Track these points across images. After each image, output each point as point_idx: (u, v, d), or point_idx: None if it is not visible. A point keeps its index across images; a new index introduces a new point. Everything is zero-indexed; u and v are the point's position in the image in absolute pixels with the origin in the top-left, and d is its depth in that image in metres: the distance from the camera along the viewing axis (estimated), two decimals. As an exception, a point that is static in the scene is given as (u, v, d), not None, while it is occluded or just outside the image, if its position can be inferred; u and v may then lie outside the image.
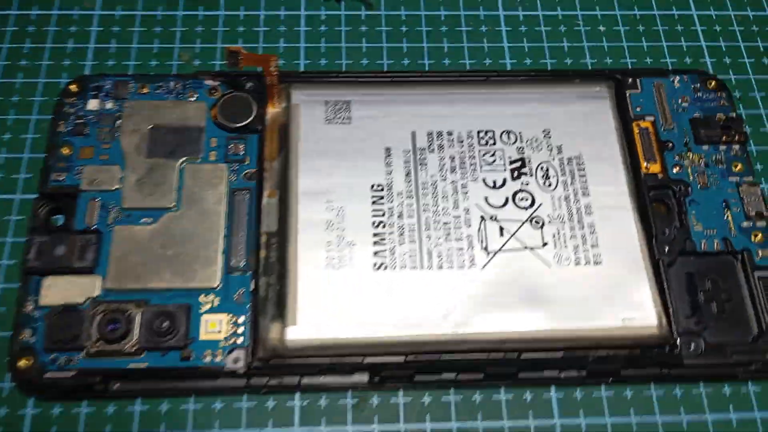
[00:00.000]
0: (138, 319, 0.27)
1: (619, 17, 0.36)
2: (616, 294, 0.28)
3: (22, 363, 0.26)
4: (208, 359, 0.26)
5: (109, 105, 0.31)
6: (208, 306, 0.27)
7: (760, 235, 0.29)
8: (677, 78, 0.33)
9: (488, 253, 0.28)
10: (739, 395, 0.28)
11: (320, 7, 0.35)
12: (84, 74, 0.32)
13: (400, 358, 0.27)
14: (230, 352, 0.27)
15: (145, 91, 0.31)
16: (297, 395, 0.27)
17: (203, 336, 0.27)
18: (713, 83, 0.33)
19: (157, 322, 0.27)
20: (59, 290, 0.27)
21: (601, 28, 0.36)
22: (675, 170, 0.31)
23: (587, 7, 0.36)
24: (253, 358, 0.27)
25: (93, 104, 0.31)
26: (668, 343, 0.27)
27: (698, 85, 0.33)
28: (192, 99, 0.31)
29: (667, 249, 0.29)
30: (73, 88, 0.31)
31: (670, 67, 0.35)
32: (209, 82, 0.32)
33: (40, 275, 0.27)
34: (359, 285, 0.28)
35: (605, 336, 0.27)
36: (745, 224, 0.30)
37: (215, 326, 0.27)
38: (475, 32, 0.35)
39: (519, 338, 0.27)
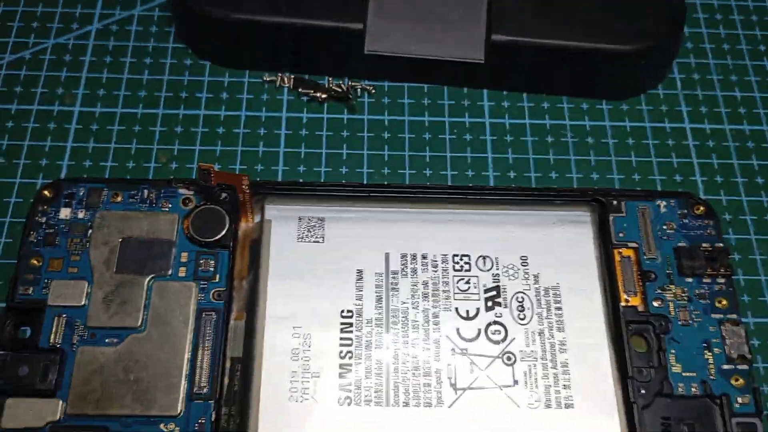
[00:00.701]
0: (95, 450, 0.26)
1: (608, 128, 0.35)
2: (586, 441, 0.27)
3: (-25, 492, 0.26)
4: (165, 495, 0.26)
5: (80, 214, 0.30)
6: (167, 436, 0.27)
7: (740, 380, 0.28)
8: (663, 202, 0.32)
9: (456, 391, 0.28)
10: None
11: (303, 109, 0.35)
12: (59, 178, 0.32)
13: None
14: (189, 486, 0.26)
15: (118, 200, 0.31)
16: None
17: (162, 469, 0.26)
18: (701, 209, 0.32)
19: (115, 454, 0.26)
20: (20, 412, 0.27)
21: (589, 140, 0.35)
22: (656, 304, 0.30)
23: (576, 118, 0.35)
24: (211, 494, 0.26)
25: (65, 213, 0.30)
26: (635, 497, 0.26)
27: (685, 210, 0.32)
28: (165, 209, 0.31)
29: (642, 391, 0.28)
30: (47, 193, 0.31)
31: (658, 186, 0.34)
32: (183, 191, 0.31)
33: (3, 396, 0.27)
34: (322, 420, 0.27)
35: (571, 487, 0.26)
36: (725, 367, 0.29)
37: (174, 459, 0.27)
38: (459, 140, 0.34)
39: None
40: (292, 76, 0.36)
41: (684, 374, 0.29)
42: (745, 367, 0.29)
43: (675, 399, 0.28)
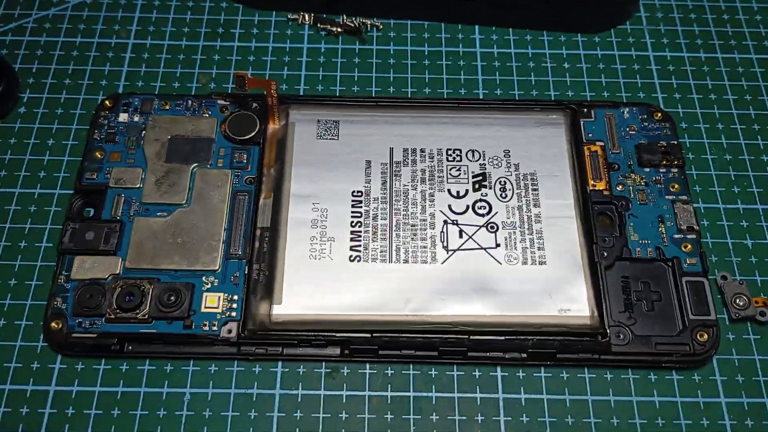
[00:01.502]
0: (150, 293, 0.32)
1: (582, 56, 0.41)
2: (556, 289, 0.32)
3: (54, 325, 0.31)
4: (206, 328, 0.31)
5: (136, 118, 0.37)
6: (208, 285, 0.32)
7: (689, 246, 0.34)
8: (627, 109, 0.37)
9: (448, 252, 0.33)
10: (663, 381, 0.32)
11: (320, 41, 0.41)
12: (117, 92, 0.38)
13: (367, 335, 0.31)
14: (225, 323, 0.32)
15: (166, 107, 0.37)
16: (279, 363, 0.32)
17: (203, 309, 0.32)
18: (659, 115, 0.37)
19: (165, 297, 0.32)
20: (87, 268, 0.33)
21: (566, 65, 0.40)
22: (619, 188, 0.35)
23: (555, 47, 0.41)
24: (243, 329, 0.31)
25: (123, 117, 0.37)
26: (598, 332, 0.32)
27: (645, 116, 0.37)
28: (206, 116, 0.37)
29: (605, 254, 0.33)
30: (107, 103, 0.37)
31: (624, 101, 0.39)
32: (221, 102, 0.37)
33: (72, 255, 0.33)
34: (336, 273, 0.33)
35: (543, 323, 0.32)
36: (676, 236, 0.34)
37: (214, 302, 0.32)
38: (454, 65, 0.40)
39: (468, 322, 0.32)
40: (312, 15, 0.42)
41: (641, 241, 0.34)
42: (693, 236, 0.34)
43: (633, 261, 0.34)
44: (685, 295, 0.33)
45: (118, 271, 0.33)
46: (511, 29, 0.42)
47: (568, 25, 0.42)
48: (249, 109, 0.37)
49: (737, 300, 0.33)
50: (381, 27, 0.42)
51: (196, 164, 0.35)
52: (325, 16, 0.42)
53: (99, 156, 0.36)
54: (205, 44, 0.41)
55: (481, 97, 0.39)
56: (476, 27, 0.42)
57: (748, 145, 0.38)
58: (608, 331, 0.32)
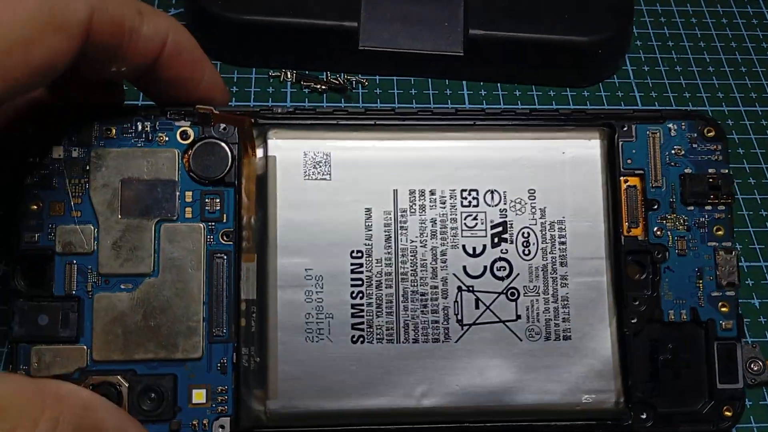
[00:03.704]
0: (126, 391, 0.28)
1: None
2: (580, 369, 0.29)
3: None
4: (195, 428, 0.28)
5: (74, 153, 0.29)
6: (193, 376, 0.29)
7: (727, 307, 0.30)
8: (674, 125, 0.31)
9: (462, 327, 0.29)
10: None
11: (304, 99, 0.40)
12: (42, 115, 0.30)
13: (372, 429, 0.29)
14: (216, 419, 0.29)
15: (111, 134, 0.29)
16: (279, 455, 0.30)
17: (190, 405, 0.28)
18: (712, 132, 0.31)
19: (145, 395, 0.28)
20: (48, 360, 0.28)
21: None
22: (657, 233, 0.31)
23: (544, 103, 0.41)
24: (237, 425, 0.28)
25: (58, 152, 0.29)
26: (622, 416, 0.30)
27: (695, 134, 0.31)
28: (163, 143, 0.29)
29: (635, 320, 0.30)
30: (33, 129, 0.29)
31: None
32: (180, 124, 0.30)
33: (27, 344, 0.28)
34: (338, 358, 0.29)
35: (566, 410, 0.29)
36: (714, 294, 0.30)
37: (201, 397, 0.29)
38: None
39: (484, 411, 0.29)
40: (295, 72, 0.41)
41: (675, 301, 0.30)
42: (732, 293, 0.31)
43: (664, 325, 0.30)
44: (714, 360, 0.30)
45: (85, 364, 0.28)
46: (499, 84, 0.42)
47: (557, 80, 0.43)
48: (217, 133, 0.30)
49: (752, 365, 0.32)
50: (366, 83, 0.41)
51: (158, 218, 0.29)
52: (307, 72, 0.41)
53: (35, 208, 0.29)
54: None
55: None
56: (464, 83, 0.42)
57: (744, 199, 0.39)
58: (631, 414, 0.30)
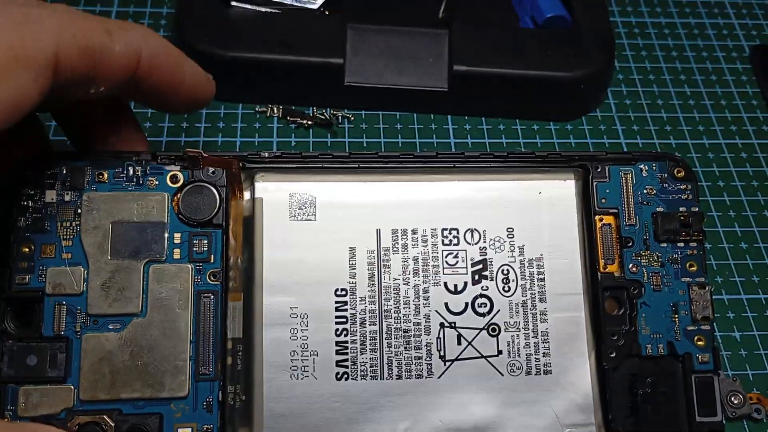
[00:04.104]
0: (111, 431, 0.28)
1: (556, 145, 0.42)
2: (561, 403, 0.30)
3: (5, 476, 0.28)
4: (181, 468, 0.28)
5: (67, 197, 0.30)
6: (179, 414, 0.29)
7: (703, 341, 0.31)
8: (645, 166, 0.33)
9: (445, 363, 0.30)
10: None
11: (291, 134, 0.41)
12: (36, 158, 0.31)
13: (359, 466, 0.29)
14: (202, 458, 0.29)
15: (103, 179, 0.30)
16: (265, 494, 0.30)
17: (176, 445, 0.29)
18: (682, 173, 0.33)
19: (131, 434, 0.28)
20: (35, 400, 0.28)
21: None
22: (632, 269, 0.32)
23: (528, 137, 0.42)
24: (223, 466, 0.29)
25: (50, 196, 0.30)
26: (603, 452, 0.30)
27: (665, 174, 0.33)
28: (153, 187, 0.30)
29: (614, 354, 0.31)
30: (29, 172, 0.30)
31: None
32: (170, 168, 0.31)
33: (15, 385, 0.28)
34: (322, 396, 0.29)
35: (548, 445, 0.30)
36: (690, 328, 0.31)
37: (186, 436, 0.29)
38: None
39: (469, 447, 0.29)
40: (281, 107, 0.42)
41: (652, 335, 0.31)
42: (707, 327, 0.31)
43: (642, 359, 0.31)
44: (693, 394, 0.31)
45: (72, 404, 0.28)
46: (484, 119, 0.43)
47: (541, 114, 0.43)
48: (205, 177, 0.31)
49: (732, 398, 0.32)
50: (352, 118, 0.42)
51: (147, 259, 0.30)
52: (294, 108, 0.41)
53: (27, 251, 0.29)
54: (169, 140, 0.38)
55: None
56: (449, 117, 0.42)
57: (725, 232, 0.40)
58: (613, 449, 0.30)
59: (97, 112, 0.30)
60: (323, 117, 0.40)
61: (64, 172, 0.30)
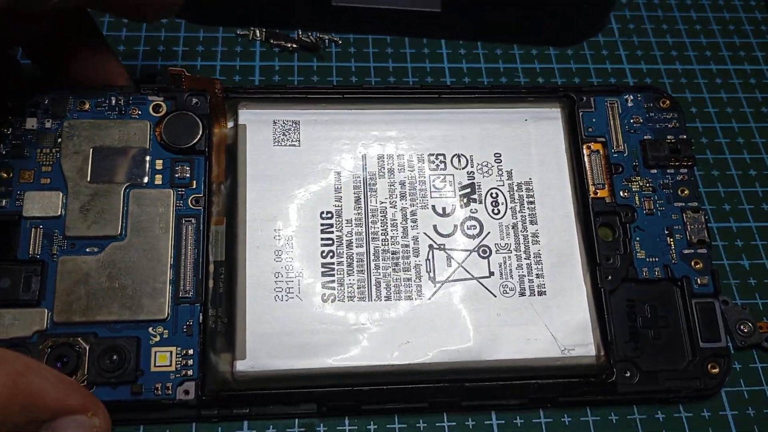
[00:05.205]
0: (87, 354, 0.27)
1: (556, 70, 0.38)
2: (558, 325, 0.29)
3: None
4: (158, 392, 0.27)
5: (48, 124, 0.30)
6: (157, 338, 0.27)
7: (700, 264, 0.30)
8: (631, 96, 0.33)
9: (435, 284, 0.29)
10: (671, 419, 0.29)
11: (274, 58, 0.37)
12: (20, 89, 0.31)
13: (346, 389, 0.27)
14: (180, 384, 0.27)
15: (85, 108, 0.30)
16: (245, 423, 0.28)
17: (153, 368, 0.27)
18: (667, 102, 0.33)
19: (106, 357, 0.27)
20: (7, 324, 0.27)
21: (540, 80, 0.37)
22: (623, 195, 0.31)
23: (527, 61, 0.38)
24: (203, 390, 0.27)
25: (31, 123, 0.30)
26: (605, 373, 0.28)
27: (651, 104, 0.33)
28: (135, 116, 0.30)
29: (609, 277, 0.30)
30: (9, 105, 0.30)
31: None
32: (153, 98, 0.30)
33: (-15, 308, 0.27)
34: (307, 317, 0.28)
35: (546, 366, 0.28)
36: (686, 251, 0.30)
37: (165, 359, 0.27)
38: (421, 83, 0.37)
39: (463, 368, 0.28)
40: (264, 30, 0.38)
41: (648, 259, 0.30)
42: (704, 250, 0.31)
43: (639, 283, 0.30)
44: (694, 319, 0.30)
45: (44, 327, 0.27)
46: (479, 43, 0.39)
47: (539, 39, 0.39)
48: (189, 107, 0.30)
49: (741, 326, 0.31)
50: (340, 42, 0.38)
51: (128, 183, 0.29)
52: (278, 31, 0.38)
53: (6, 176, 0.29)
54: (144, 63, 0.35)
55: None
56: (443, 41, 0.39)
57: (734, 160, 0.36)
58: (614, 370, 0.29)
59: (67, 38, 0.30)
60: (309, 41, 0.37)
61: (46, 102, 0.30)
